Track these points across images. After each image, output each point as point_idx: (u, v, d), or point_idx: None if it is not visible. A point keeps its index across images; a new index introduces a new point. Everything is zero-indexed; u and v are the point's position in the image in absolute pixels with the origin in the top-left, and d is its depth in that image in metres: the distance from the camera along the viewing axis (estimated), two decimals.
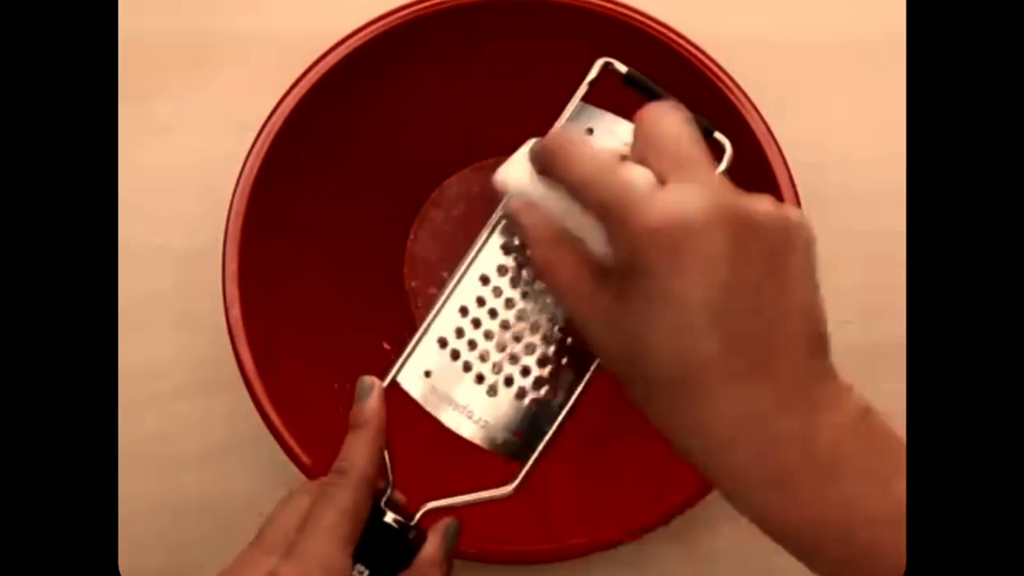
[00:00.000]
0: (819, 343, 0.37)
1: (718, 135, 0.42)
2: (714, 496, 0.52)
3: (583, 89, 0.43)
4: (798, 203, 0.54)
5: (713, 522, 0.57)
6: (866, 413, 0.37)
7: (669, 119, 0.38)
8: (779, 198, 0.54)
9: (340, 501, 0.40)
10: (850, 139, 0.61)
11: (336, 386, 0.56)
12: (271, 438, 0.52)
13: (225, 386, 0.56)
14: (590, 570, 0.54)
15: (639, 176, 0.37)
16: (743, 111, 0.54)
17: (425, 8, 0.55)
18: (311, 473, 0.51)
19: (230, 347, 0.53)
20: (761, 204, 0.37)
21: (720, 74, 0.55)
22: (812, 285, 0.37)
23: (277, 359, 0.53)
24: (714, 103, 0.54)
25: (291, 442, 0.52)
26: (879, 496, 0.35)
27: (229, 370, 0.53)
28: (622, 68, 0.43)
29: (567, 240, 0.38)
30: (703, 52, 0.55)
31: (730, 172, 0.43)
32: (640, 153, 0.38)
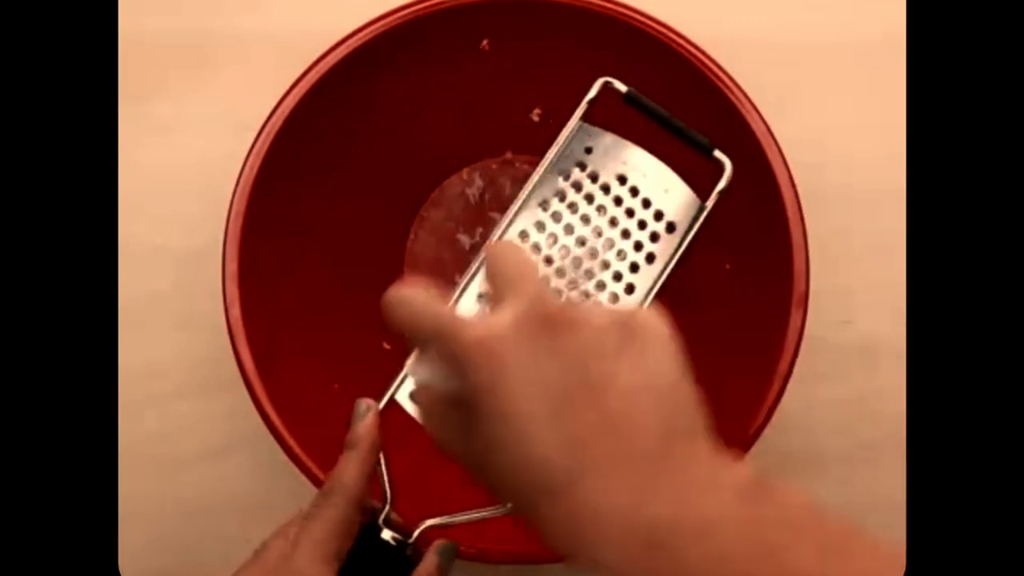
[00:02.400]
0: (683, 428, 0.36)
1: (718, 154, 0.44)
2: None
3: (582, 108, 0.44)
4: (798, 203, 0.54)
5: None
6: (755, 489, 0.34)
7: (496, 251, 0.39)
8: (779, 198, 0.54)
9: (326, 518, 0.41)
10: (850, 139, 0.61)
11: (336, 386, 0.56)
12: (271, 438, 0.52)
13: (225, 386, 0.56)
14: (590, 570, 0.54)
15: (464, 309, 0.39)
16: (743, 111, 0.54)
17: (425, 8, 0.55)
18: (311, 473, 0.51)
19: (230, 347, 0.53)
20: (586, 307, 0.38)
21: (720, 74, 0.55)
22: (662, 371, 0.36)
23: (277, 359, 0.53)
24: (714, 103, 0.54)
25: (291, 442, 0.52)
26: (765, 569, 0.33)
27: (229, 370, 0.53)
28: (622, 88, 0.44)
29: (441, 396, 0.39)
30: (703, 52, 0.55)
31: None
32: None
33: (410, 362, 0.42)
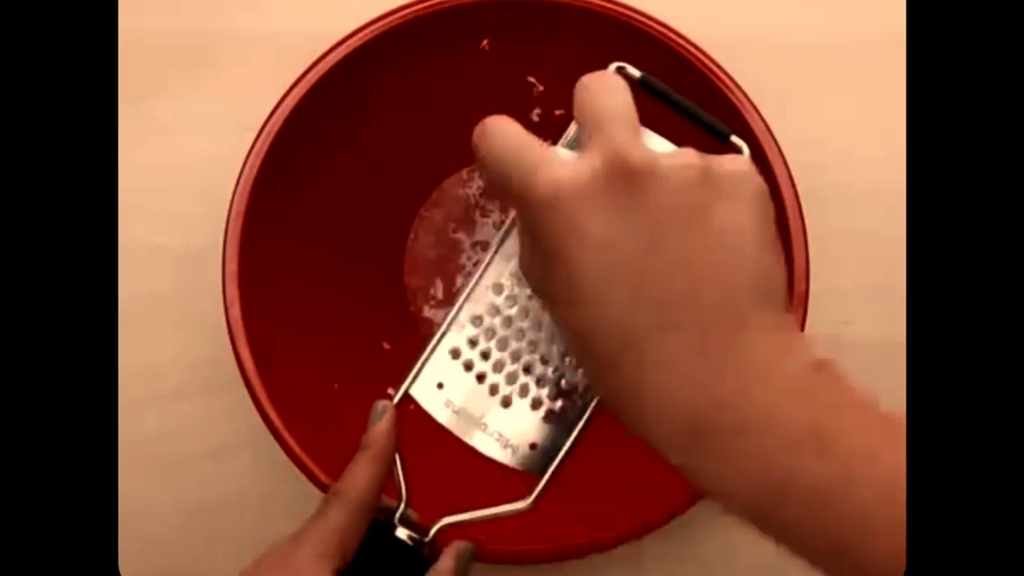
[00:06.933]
0: (760, 296, 0.35)
1: (735, 139, 0.41)
2: None
3: None
4: (798, 203, 0.54)
5: (713, 521, 0.57)
6: (818, 368, 0.35)
7: (586, 84, 0.38)
8: (779, 198, 0.54)
9: (329, 519, 0.41)
10: (850, 139, 0.61)
11: (336, 386, 0.56)
12: (271, 438, 0.52)
13: (225, 386, 0.56)
14: (590, 570, 0.54)
15: (540, 150, 0.36)
16: (743, 111, 0.54)
17: (425, 8, 0.55)
18: (311, 473, 0.51)
19: (230, 347, 0.53)
20: (672, 158, 0.35)
21: (720, 74, 0.55)
22: (745, 237, 0.35)
23: (277, 359, 0.53)
24: (714, 103, 0.54)
25: (291, 442, 0.52)
26: (815, 460, 0.34)
27: (229, 370, 0.53)
28: (636, 73, 0.42)
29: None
30: (703, 52, 0.55)
31: None
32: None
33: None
